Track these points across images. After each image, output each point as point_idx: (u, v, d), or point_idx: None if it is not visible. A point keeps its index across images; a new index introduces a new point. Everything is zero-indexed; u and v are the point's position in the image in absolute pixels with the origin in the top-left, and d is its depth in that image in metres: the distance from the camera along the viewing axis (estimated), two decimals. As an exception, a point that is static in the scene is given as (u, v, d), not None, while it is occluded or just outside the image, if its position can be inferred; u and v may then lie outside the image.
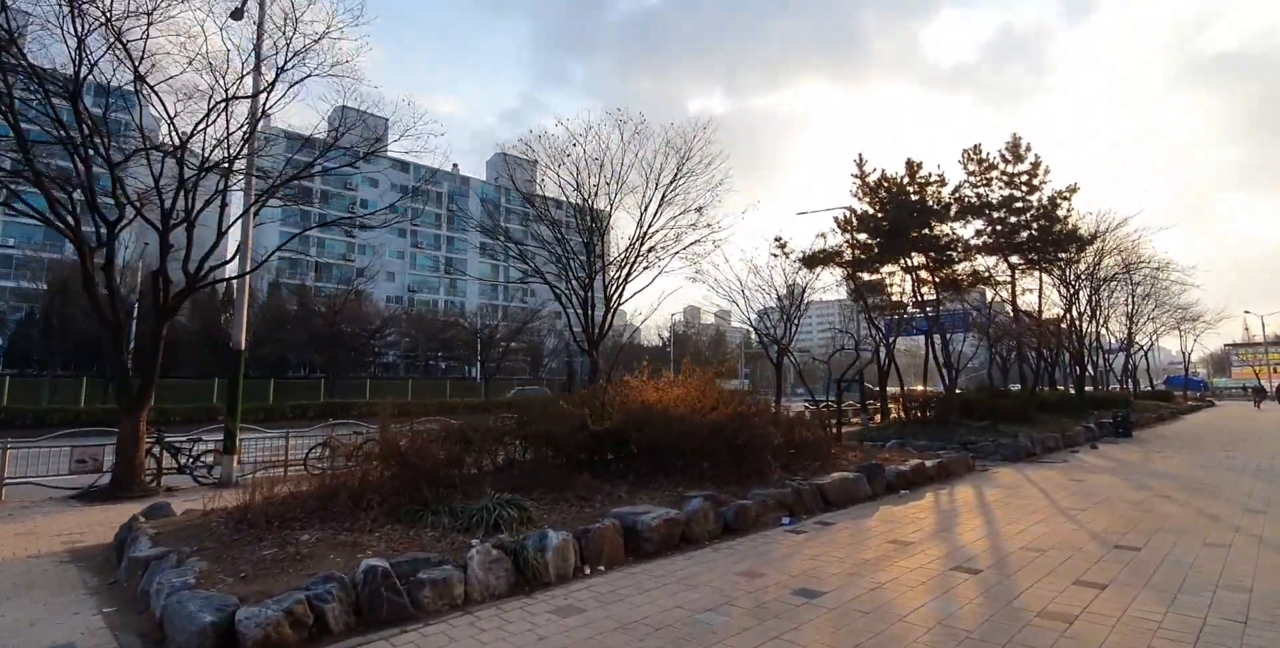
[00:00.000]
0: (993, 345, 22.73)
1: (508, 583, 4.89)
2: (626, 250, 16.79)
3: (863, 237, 21.02)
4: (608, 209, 16.86)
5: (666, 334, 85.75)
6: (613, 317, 16.99)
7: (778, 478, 8.33)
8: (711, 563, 5.60)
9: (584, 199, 16.47)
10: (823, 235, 21.35)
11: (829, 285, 22.23)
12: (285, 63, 10.21)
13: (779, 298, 21.71)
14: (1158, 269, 28.51)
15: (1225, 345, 76.21)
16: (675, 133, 16.03)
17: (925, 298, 22.21)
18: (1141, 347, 39.88)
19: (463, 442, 6.74)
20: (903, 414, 16.72)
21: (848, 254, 21.05)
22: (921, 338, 23.55)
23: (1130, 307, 32.10)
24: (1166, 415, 28.39)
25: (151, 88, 9.52)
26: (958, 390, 20.84)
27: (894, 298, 22.62)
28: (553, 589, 4.88)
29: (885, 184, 21.11)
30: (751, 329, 21.15)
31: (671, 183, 16.20)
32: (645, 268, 18.06)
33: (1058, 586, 4.85)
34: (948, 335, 26.09)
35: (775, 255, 21.08)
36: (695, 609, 4.43)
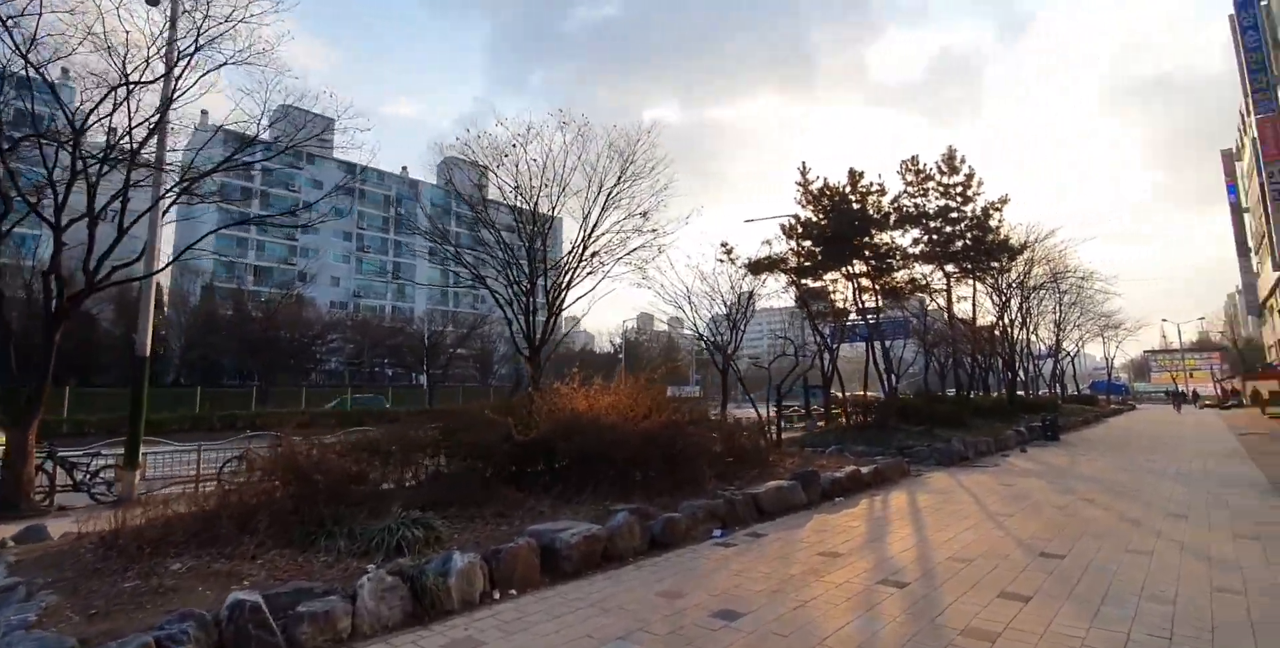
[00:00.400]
0: (929, 351, 23.18)
1: (403, 613, 4.43)
2: (569, 254, 16.39)
3: (806, 243, 21.15)
4: (550, 212, 16.44)
5: (619, 341, 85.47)
6: (554, 322, 16.54)
7: (712, 488, 8.06)
8: (632, 583, 5.25)
9: (526, 202, 16.01)
10: (768, 242, 21.41)
11: (775, 292, 22.33)
12: (192, 45, 9.44)
13: (725, 304, 21.70)
14: (1083, 279, 29.79)
15: (1145, 352, 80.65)
16: (619, 135, 15.74)
17: (866, 305, 22.52)
18: (1068, 353, 41.62)
19: (373, 454, 6.22)
20: (845, 420, 16.78)
21: (792, 261, 21.15)
22: (863, 344, 23.83)
23: (1058, 314, 33.44)
24: (1091, 419, 29.56)
25: (37, 69, 8.66)
26: (897, 396, 21.12)
27: (837, 305, 22.87)
28: (454, 618, 4.44)
29: (828, 192, 21.30)
30: (698, 336, 21.00)
31: (615, 186, 15.90)
32: (589, 273, 17.71)
33: (983, 599, 4.68)
34: (888, 342, 26.58)
35: (721, 261, 21.04)
36: (605, 638, 4.07)
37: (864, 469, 10.46)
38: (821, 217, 21.09)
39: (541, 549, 5.46)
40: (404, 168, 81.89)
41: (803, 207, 21.39)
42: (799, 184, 21.34)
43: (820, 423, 21.33)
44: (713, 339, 23.37)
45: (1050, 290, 29.04)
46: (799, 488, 8.63)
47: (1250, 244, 49.71)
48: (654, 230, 17.47)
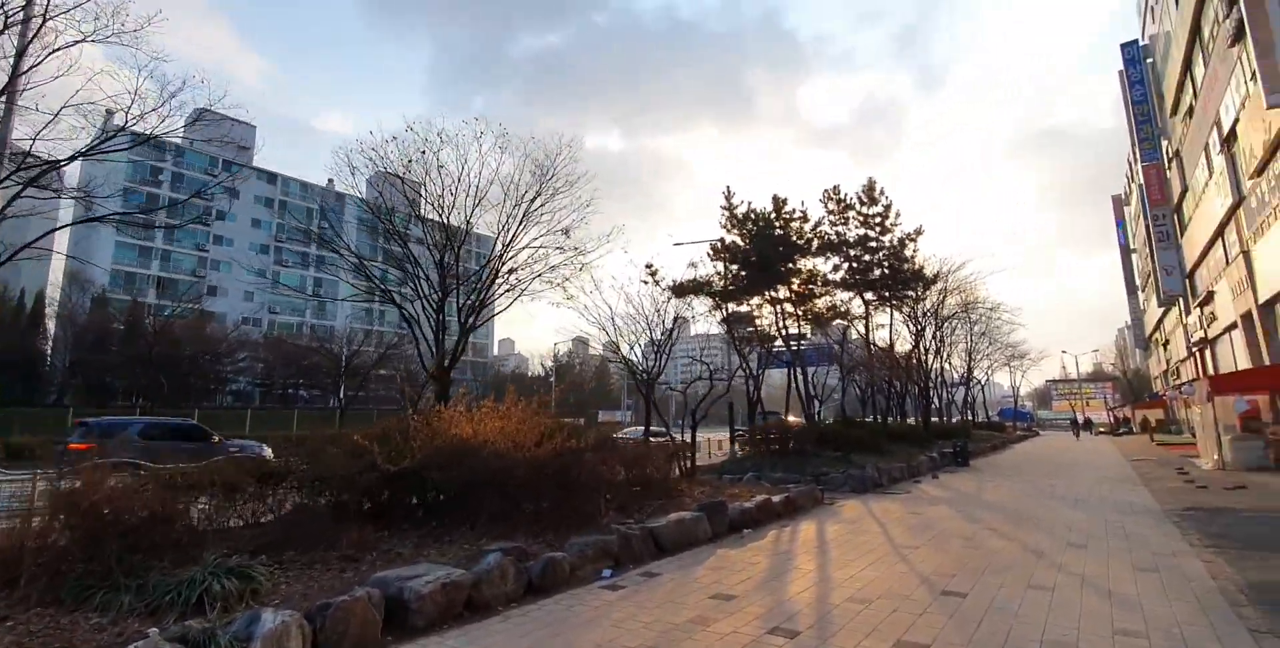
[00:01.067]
0: (845, 377, 23.40)
1: (181, 692, 3.53)
2: (482, 269, 15.59)
3: (733, 267, 21.11)
4: (463, 226, 15.62)
5: (549, 364, 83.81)
6: (465, 342, 15.60)
7: (610, 521, 7.39)
8: (492, 639, 4.49)
9: (436, 212, 15.16)
10: (694, 265, 21.24)
11: (701, 315, 22.09)
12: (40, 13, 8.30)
13: (649, 327, 21.27)
14: (991, 309, 31.16)
15: (1047, 381, 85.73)
16: (536, 147, 15.18)
17: (790, 331, 22.60)
18: (979, 381, 43.44)
19: (191, 490, 5.23)
20: (763, 446, 16.49)
21: (717, 284, 21.02)
22: (788, 369, 23.85)
23: (969, 343, 34.81)
24: (999, 445, 30.65)
25: None
26: (816, 422, 21.11)
27: (762, 330, 22.85)
28: (247, 697, 3.57)
29: (753, 217, 21.41)
30: (622, 359, 20.45)
31: (535, 199, 15.28)
32: (507, 290, 16.94)
33: (878, 650, 4.19)
34: (813, 368, 26.81)
35: (646, 283, 20.65)
36: (429, 718, 3.30)
37: (775, 499, 10.02)
38: (746, 241, 21.12)
39: (387, 601, 4.62)
40: (330, 180, 78.51)
41: (727, 230, 21.39)
42: (724, 208, 21.36)
43: (742, 449, 21.05)
44: (641, 363, 22.90)
45: (962, 320, 30.18)
46: (704, 520, 8.07)
47: (1138, 283, 53.77)
48: (576, 249, 16.93)
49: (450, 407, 7.35)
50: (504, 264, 15.90)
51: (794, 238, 21.66)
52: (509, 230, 15.67)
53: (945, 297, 26.66)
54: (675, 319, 21.97)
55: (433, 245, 15.79)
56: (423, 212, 15.31)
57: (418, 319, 15.19)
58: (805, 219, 21.83)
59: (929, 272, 23.98)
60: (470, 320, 15.82)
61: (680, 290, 20.41)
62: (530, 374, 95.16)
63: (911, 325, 26.13)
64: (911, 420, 29.72)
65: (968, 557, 6.87)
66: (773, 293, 21.86)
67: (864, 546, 7.54)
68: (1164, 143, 31.50)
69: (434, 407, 7.41)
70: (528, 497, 6.97)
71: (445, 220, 15.11)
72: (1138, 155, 34.70)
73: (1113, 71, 36.36)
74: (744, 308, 23.29)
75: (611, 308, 20.84)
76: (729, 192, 21.28)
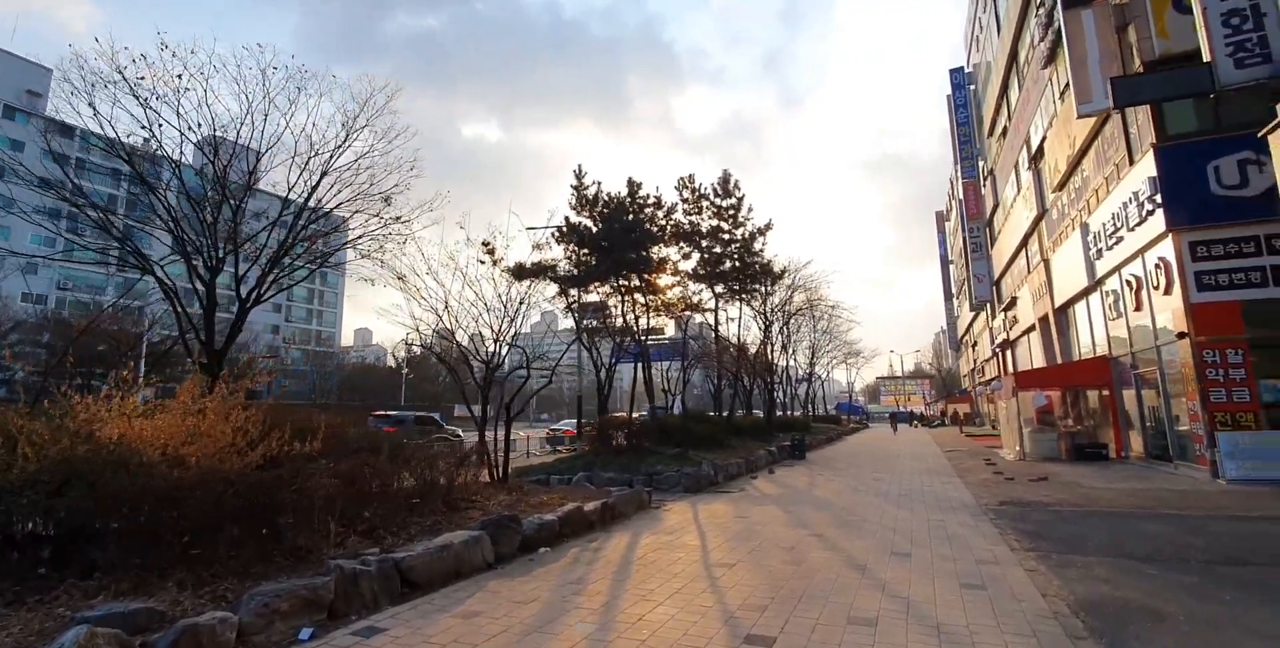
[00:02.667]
0: (686, 369, 22.72)
1: None
2: (266, 229, 12.75)
3: (581, 251, 19.53)
4: (245, 179, 12.67)
5: (402, 356, 77.78)
6: (242, 321, 12.64)
7: (346, 553, 5.44)
8: None
9: (210, 159, 12.10)
10: (538, 247, 19.38)
11: (543, 302, 20.29)
12: None
13: (488, 311, 19.17)
14: (833, 307, 32.31)
15: (878, 378, 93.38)
16: (342, 90, 12.62)
17: (640, 321, 21.46)
18: (820, 377, 45.52)
19: None
20: (599, 443, 15.09)
21: (564, 267, 19.36)
22: (634, 363, 22.72)
23: (812, 340, 36.02)
24: (834, 437, 31.84)
25: None
26: (657, 417, 20.14)
27: (613, 321, 21.50)
28: None
29: (605, 200, 19.98)
30: (455, 347, 18.08)
31: (339, 151, 12.68)
32: (310, 262, 14.15)
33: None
34: (666, 362, 26.04)
35: (483, 263, 18.51)
36: None
37: (589, 506, 8.52)
38: (597, 224, 19.64)
39: None
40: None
41: (576, 211, 19.77)
42: (574, 187, 19.71)
43: (585, 446, 19.60)
44: (480, 354, 20.72)
45: (807, 316, 30.92)
46: (483, 542, 6.33)
47: (954, 290, 59.44)
48: (398, 219, 14.49)
49: (74, 399, 4.99)
50: (300, 229, 13.16)
51: (648, 224, 20.54)
52: (308, 185, 12.99)
53: (793, 293, 26.97)
54: (520, 304, 20.11)
55: (205, 201, 12.69)
56: (183, 156, 12.14)
57: (175, 289, 12.04)
58: (659, 205, 20.78)
59: (777, 268, 23.94)
60: (254, 295, 12.90)
61: (521, 273, 18.46)
62: (386, 367, 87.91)
63: (760, 320, 26.11)
64: (757, 414, 30.01)
65: (786, 578, 5.71)
66: (624, 282, 20.62)
67: (674, 567, 6.19)
68: (981, 163, 34.30)
69: (80, 399, 5.00)
70: (203, 526, 4.82)
71: (217, 170, 12.07)
72: (959, 173, 37.69)
73: (943, 106, 39.14)
74: (594, 296, 21.89)
75: (446, 290, 18.45)
76: (580, 170, 19.69)
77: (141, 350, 43.92)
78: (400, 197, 13.96)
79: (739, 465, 15.27)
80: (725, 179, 23.49)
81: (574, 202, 19.65)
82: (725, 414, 23.49)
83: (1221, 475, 11.01)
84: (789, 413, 38.47)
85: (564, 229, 19.03)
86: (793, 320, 29.25)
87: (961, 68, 35.40)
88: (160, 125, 11.01)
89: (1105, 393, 17.08)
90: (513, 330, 21.01)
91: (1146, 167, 12.73)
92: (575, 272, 19.47)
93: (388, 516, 6.56)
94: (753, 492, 12.10)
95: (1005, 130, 26.64)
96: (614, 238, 18.79)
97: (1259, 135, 8.10)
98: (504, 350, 20.71)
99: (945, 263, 61.89)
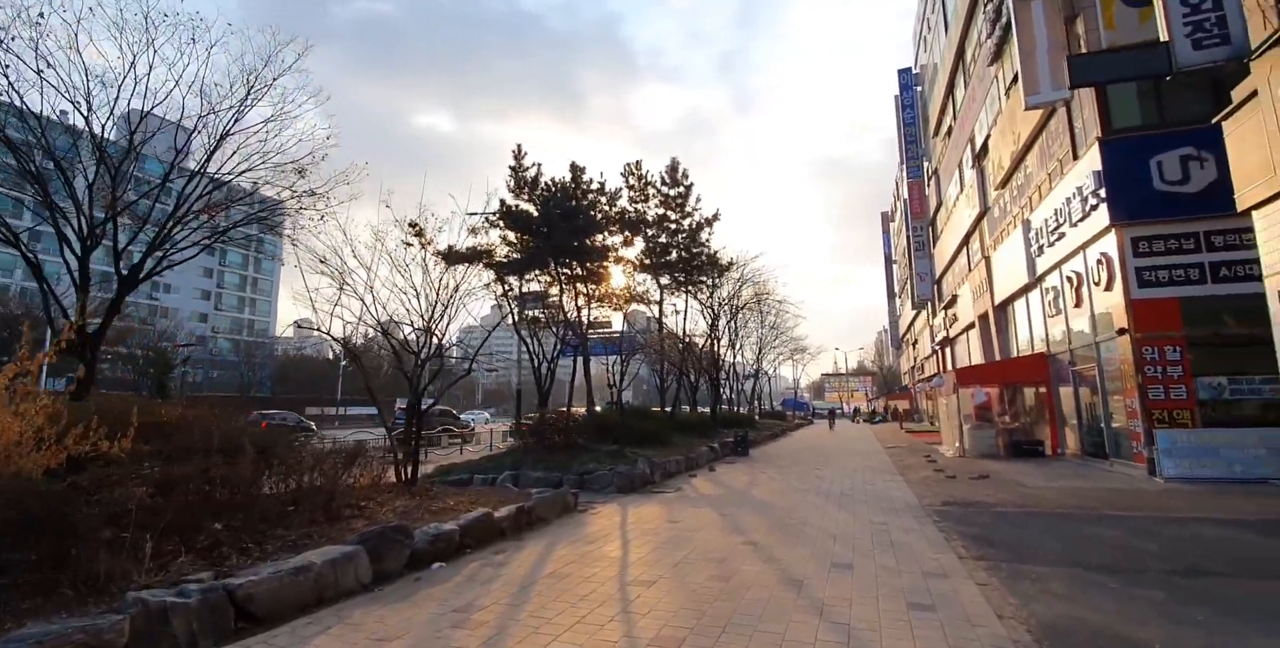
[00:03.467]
0: (625, 363, 21.84)
1: None
2: (147, 195, 11.24)
3: (524, 238, 18.39)
4: (126, 139, 11.11)
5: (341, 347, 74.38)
6: (121, 300, 11.09)
7: (153, 578, 4.31)
8: None
9: (83, 116, 10.50)
10: (474, 232, 18.12)
11: (477, 290, 19.07)
12: None
13: (417, 296, 17.85)
14: (780, 302, 32.01)
15: (823, 375, 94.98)
16: (234, 34, 11.23)
17: (583, 312, 20.47)
18: (767, 373, 45.47)
19: None
20: (532, 439, 14.06)
21: (501, 252, 18.19)
22: (573, 356, 21.71)
23: (760, 335, 35.74)
24: (779, 433, 31.61)
25: None
26: (594, 412, 19.24)
27: (555, 312, 20.43)
28: None
29: (547, 184, 18.88)
30: (383, 335, 16.62)
31: (239, 110, 11.27)
32: (209, 237, 12.66)
33: None
34: (611, 356, 25.10)
35: (410, 245, 17.17)
36: None
37: (502, 512, 7.54)
38: (537, 207, 18.52)
39: None
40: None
41: (515, 194, 18.59)
42: (512, 168, 18.53)
43: (521, 441, 18.50)
44: (412, 345, 19.38)
45: (754, 311, 30.51)
46: (360, 559, 5.28)
47: (896, 290, 60.57)
48: (312, 192, 13.12)
49: None
50: (194, 199, 11.69)
51: (592, 211, 19.55)
52: (206, 150, 11.54)
53: (741, 287, 26.45)
54: (456, 291, 18.82)
55: (76, 163, 11.10)
56: (54, 112, 10.48)
57: (38, 262, 10.40)
58: (602, 190, 19.81)
59: (724, 260, 23.30)
60: (136, 270, 11.35)
61: (453, 257, 17.22)
62: (324, 358, 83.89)
63: (707, 314, 25.48)
64: (704, 410, 29.40)
65: (712, 598, 4.89)
66: (565, 270, 19.58)
67: (584, 586, 5.29)
68: (926, 163, 34.60)
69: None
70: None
71: (91, 129, 10.47)
72: (904, 174, 38.01)
73: (891, 112, 39.37)
74: (534, 285, 20.80)
75: (372, 274, 17.04)
76: (519, 150, 18.51)
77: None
78: (319, 169, 12.66)
79: (679, 463, 14.52)
80: (674, 167, 22.70)
81: (512, 184, 18.47)
82: (669, 410, 22.75)
83: (1159, 474, 10.85)
84: (736, 409, 38.16)
85: (500, 213, 17.84)
86: (740, 315, 28.78)
87: (909, 69, 35.65)
88: (7, 66, 9.36)
89: (1043, 390, 17.08)
90: (447, 320, 19.74)
91: (1091, 161, 12.53)
92: (513, 255, 18.32)
93: (242, 529, 5.43)
94: (690, 492, 11.33)
95: (950, 129, 26.75)
96: (554, 223, 17.72)
97: (1213, 121, 7.75)
98: (436, 341, 19.45)
99: (889, 263, 63.02)
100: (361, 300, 15.37)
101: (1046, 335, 16.62)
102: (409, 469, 9.64)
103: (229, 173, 12.03)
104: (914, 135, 34.15)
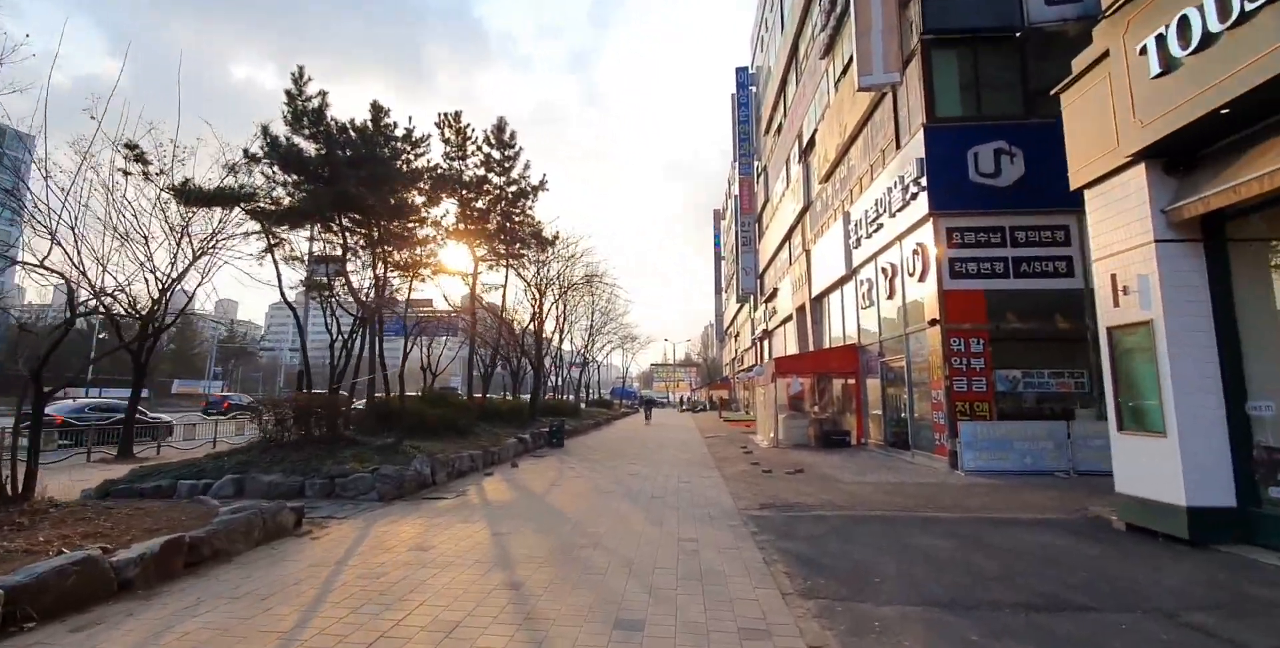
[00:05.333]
0: (410, 340, 18.85)
1: None
2: None
3: (293, 178, 14.60)
4: None
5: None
6: None
7: None
8: None
9: None
10: (232, 168, 13.98)
11: (237, 245, 14.91)
12: None
13: (145, 242, 13.42)
14: (612, 285, 30.60)
15: (652, 364, 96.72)
16: None
17: (384, 281, 17.07)
18: (597, 361, 44.15)
19: None
20: (272, 429, 10.77)
21: (271, 196, 14.30)
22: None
23: (590, 320, 34.11)
24: (603, 422, 30.21)
25: None
26: (374, 397, 16.13)
27: (356, 280, 16.75)
28: None
29: (340, 122, 15.23)
30: (93, 295, 11.86)
31: None
32: None
33: None
34: (438, 337, 21.77)
35: (129, 174, 12.75)
36: None
37: (130, 552, 4.68)
38: (319, 147, 14.86)
39: None
40: None
41: (293, 129, 14.73)
42: (289, 94, 14.64)
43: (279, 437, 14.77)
44: (133, 306, 14.77)
45: (584, 292, 28.70)
46: None
47: (723, 284, 62.66)
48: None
49: None
50: None
51: (396, 161, 16.23)
52: None
53: (571, 266, 24.41)
54: (210, 241, 14.48)
55: None
56: None
57: None
58: (410, 139, 16.58)
59: (547, 234, 21.06)
60: None
61: (192, 196, 13.08)
62: (82, 329, 67.73)
63: (531, 293, 23.10)
64: (524, 396, 27.04)
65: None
66: (361, 230, 16.08)
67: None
68: (757, 162, 35.12)
69: None
70: None
71: None
72: (736, 171, 38.50)
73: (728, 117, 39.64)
74: (324, 246, 17.02)
75: (76, 207, 12.30)
76: (299, 73, 14.63)
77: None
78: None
79: (474, 459, 12.09)
80: (500, 127, 19.95)
81: (288, 114, 14.57)
82: (480, 396, 20.08)
83: (960, 466, 10.62)
84: (563, 396, 36.25)
85: (267, 146, 13.95)
86: (569, 296, 26.77)
87: (746, 67, 35.97)
88: None
89: (851, 381, 17.14)
90: (201, 277, 15.58)
91: (916, 148, 12.18)
92: (290, 203, 14.52)
93: None
94: (473, 498, 9.01)
95: (780, 126, 26.94)
96: (338, 168, 14.24)
97: (1053, 92, 7.09)
98: (165, 301, 15.11)
99: (718, 259, 65.04)
100: (52, 240, 10.74)
101: (859, 327, 16.63)
102: (15, 480, 6.22)
103: None
104: (747, 133, 34.53)
